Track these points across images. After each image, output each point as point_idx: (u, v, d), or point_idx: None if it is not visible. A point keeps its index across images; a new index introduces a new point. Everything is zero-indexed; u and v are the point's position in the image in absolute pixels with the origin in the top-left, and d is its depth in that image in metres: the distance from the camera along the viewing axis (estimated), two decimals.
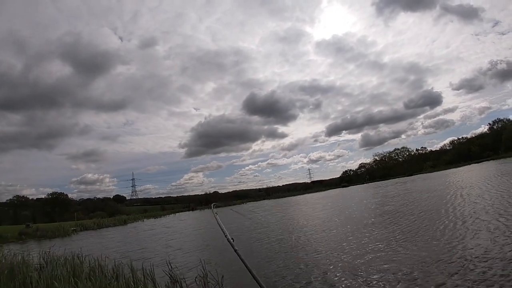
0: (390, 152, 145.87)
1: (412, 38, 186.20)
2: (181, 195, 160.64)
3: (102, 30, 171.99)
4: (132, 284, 8.14)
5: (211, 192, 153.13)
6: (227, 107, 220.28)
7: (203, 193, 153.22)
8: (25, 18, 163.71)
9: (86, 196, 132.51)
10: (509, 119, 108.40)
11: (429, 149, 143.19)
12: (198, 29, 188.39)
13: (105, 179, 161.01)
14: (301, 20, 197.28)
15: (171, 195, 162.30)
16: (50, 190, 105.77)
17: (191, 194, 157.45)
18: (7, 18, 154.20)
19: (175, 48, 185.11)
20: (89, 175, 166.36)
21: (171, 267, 10.17)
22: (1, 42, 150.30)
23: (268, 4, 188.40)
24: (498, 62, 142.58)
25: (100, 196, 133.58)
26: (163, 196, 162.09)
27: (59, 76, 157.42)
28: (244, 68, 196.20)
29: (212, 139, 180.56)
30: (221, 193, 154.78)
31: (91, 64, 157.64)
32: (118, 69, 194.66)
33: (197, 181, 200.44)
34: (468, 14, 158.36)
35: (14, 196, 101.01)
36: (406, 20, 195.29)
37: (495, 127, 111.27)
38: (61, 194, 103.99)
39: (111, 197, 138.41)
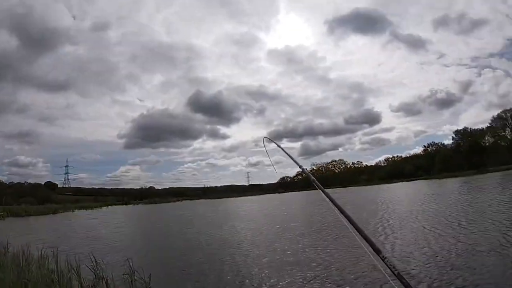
0: (327, 163, 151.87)
1: (360, 59, 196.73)
2: (116, 187, 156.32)
3: (56, 5, 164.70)
4: (56, 276, 8.09)
5: (147, 187, 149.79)
6: (172, 102, 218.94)
7: (138, 187, 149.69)
8: None
9: (16, 179, 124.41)
10: (443, 143, 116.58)
11: (364, 163, 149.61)
12: (154, 19, 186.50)
13: (38, 164, 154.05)
14: (258, 26, 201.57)
15: (105, 187, 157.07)
16: None
17: (126, 188, 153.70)
18: None
19: (128, 35, 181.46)
20: (22, 158, 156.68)
21: (97, 262, 10.09)
22: None
23: (228, 6, 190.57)
24: (438, 91, 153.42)
25: (31, 181, 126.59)
26: (97, 187, 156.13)
27: (3, 47, 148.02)
28: (195, 65, 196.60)
29: (153, 132, 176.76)
30: (158, 189, 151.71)
31: (39, 39, 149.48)
32: (66, 49, 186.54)
33: (133, 174, 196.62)
34: (416, 44, 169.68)
35: None
36: (356, 41, 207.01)
37: (429, 149, 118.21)
38: None
39: (43, 183, 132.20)
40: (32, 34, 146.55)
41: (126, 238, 22.42)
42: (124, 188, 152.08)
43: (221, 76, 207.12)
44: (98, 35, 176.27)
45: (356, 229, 2.79)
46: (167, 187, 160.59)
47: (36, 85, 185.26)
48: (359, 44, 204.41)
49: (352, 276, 9.09)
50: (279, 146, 5.05)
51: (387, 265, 2.45)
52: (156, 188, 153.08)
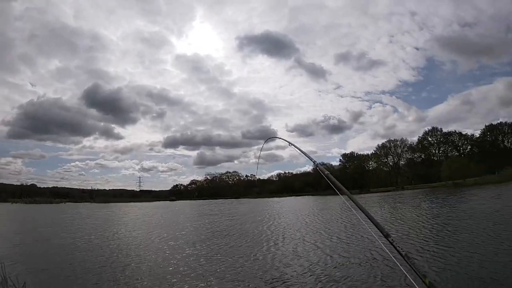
0: (222, 174, 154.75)
1: (264, 78, 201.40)
2: None
3: None
4: None
5: (29, 184, 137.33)
6: (66, 92, 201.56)
7: (19, 183, 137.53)
8: None
9: None
10: (331, 164, 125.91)
11: (257, 177, 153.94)
12: None
13: None
14: (170, 29, 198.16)
15: None
16: None
17: (4, 182, 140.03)
18: None
19: (32, 10, 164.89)
20: None
21: None
22: None
23: (143, 2, 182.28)
24: (332, 117, 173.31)
25: None
26: None
27: None
28: (97, 56, 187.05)
29: (41, 123, 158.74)
30: (40, 187, 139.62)
31: None
32: None
33: (14, 168, 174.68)
34: (317, 73, 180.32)
35: None
36: (263, 61, 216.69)
37: (318, 168, 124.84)
38: None
39: None
40: None
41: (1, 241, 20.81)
42: (2, 183, 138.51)
43: (123, 72, 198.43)
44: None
45: (366, 215, 3.22)
46: (50, 186, 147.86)
47: None
48: (265, 65, 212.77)
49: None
50: (290, 144, 5.14)
51: (395, 247, 2.81)
52: (38, 186, 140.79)
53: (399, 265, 2.89)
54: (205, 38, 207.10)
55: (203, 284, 9.83)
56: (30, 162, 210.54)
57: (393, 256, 2.92)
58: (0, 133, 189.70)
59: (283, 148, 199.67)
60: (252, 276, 10.43)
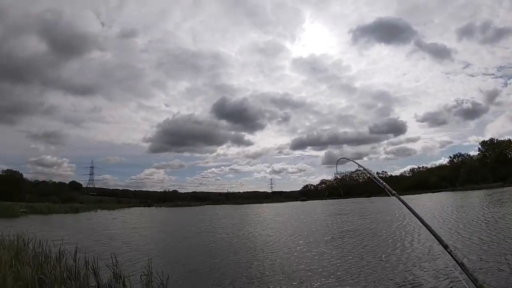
0: (351, 172, 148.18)
1: (385, 68, 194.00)
2: (139, 189, 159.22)
3: (85, 12, 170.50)
4: (74, 274, 8.01)
5: (171, 190, 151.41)
6: (197, 108, 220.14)
7: (162, 190, 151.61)
8: None
9: (41, 178, 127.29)
10: (469, 154, 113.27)
11: (389, 173, 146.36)
12: (180, 28, 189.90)
13: (63, 164, 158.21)
14: (282, 35, 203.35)
15: (129, 189, 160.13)
16: (5, 167, 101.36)
17: (149, 190, 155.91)
18: None
19: (155, 42, 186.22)
20: (48, 157, 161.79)
21: (117, 261, 10.02)
22: None
23: (253, 16, 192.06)
24: (464, 101, 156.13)
25: (56, 180, 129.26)
26: (120, 188, 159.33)
27: (33, 52, 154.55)
28: (220, 72, 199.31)
29: (178, 137, 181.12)
30: (181, 193, 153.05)
31: (68, 44, 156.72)
32: (94, 54, 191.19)
33: (157, 177, 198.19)
34: (441, 54, 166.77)
35: None
36: (380, 51, 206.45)
37: (455, 160, 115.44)
38: (16, 172, 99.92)
39: (67, 182, 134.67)
40: (60, 40, 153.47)
41: (146, 238, 22.36)
42: (147, 191, 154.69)
43: (246, 83, 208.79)
44: (125, 42, 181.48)
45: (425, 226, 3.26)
46: (190, 191, 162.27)
47: (64, 88, 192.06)
48: (383, 54, 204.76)
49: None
50: (358, 164, 5.11)
51: (454, 259, 2.81)
52: (179, 191, 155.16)
53: None
54: (318, 38, 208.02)
55: (331, 282, 9.32)
56: (171, 172, 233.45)
57: None
58: (143, 148, 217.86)
59: (414, 140, 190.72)
60: (381, 277, 9.60)
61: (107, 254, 12.98)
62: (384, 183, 3.60)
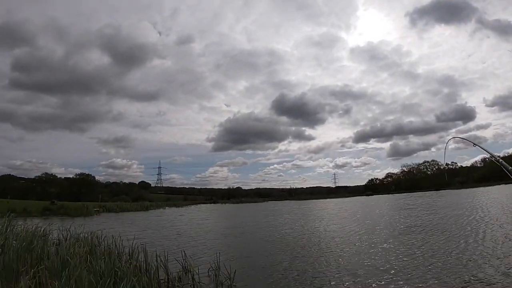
0: (419, 164, 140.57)
1: (448, 50, 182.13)
2: (205, 187, 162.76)
3: (142, 24, 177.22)
4: (145, 268, 8.24)
5: (235, 187, 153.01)
6: (256, 106, 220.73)
7: (226, 187, 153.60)
8: (68, 7, 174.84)
9: (113, 179, 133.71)
10: None
11: (459, 164, 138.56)
12: (234, 29, 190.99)
13: (133, 165, 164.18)
14: (337, 26, 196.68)
15: (195, 187, 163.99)
16: (78, 171, 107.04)
17: (214, 188, 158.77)
18: (50, 6, 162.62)
19: (211, 45, 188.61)
20: (118, 160, 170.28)
21: (185, 255, 10.23)
22: (44, 27, 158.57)
23: (304, 9, 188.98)
24: None
25: (126, 181, 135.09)
26: (187, 186, 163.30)
27: (97, 64, 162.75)
28: (277, 69, 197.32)
29: (240, 135, 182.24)
30: (244, 189, 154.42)
31: (129, 55, 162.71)
32: (154, 62, 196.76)
33: (221, 175, 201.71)
34: (506, 30, 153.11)
35: (43, 173, 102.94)
36: (442, 32, 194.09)
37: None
38: (89, 175, 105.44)
39: (137, 183, 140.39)
40: (121, 51, 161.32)
41: (213, 234, 22.80)
42: (212, 188, 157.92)
43: (304, 78, 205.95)
44: (182, 48, 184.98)
45: None
46: (253, 188, 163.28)
47: (129, 96, 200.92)
48: (445, 35, 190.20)
49: None
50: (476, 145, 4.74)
51: None
52: (243, 188, 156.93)
53: None
54: (374, 24, 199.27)
55: (395, 279, 8.98)
56: (234, 169, 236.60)
57: None
58: (207, 148, 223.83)
59: (485, 127, 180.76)
60: (447, 273, 9.14)
61: (176, 249, 13.33)
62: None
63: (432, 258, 11.07)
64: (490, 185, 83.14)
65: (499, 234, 14.51)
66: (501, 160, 3.19)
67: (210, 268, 9.95)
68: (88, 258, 8.39)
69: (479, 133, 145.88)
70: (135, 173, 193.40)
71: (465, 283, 8.24)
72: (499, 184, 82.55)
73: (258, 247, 16.21)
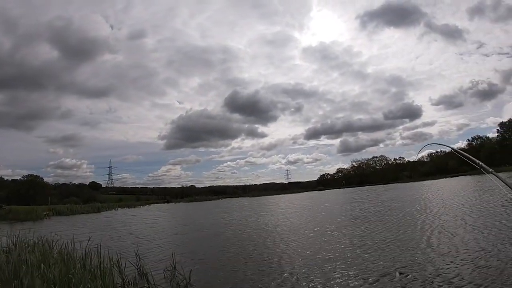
0: (368, 160, 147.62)
1: (397, 52, 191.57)
2: (158, 186, 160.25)
3: (94, 16, 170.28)
4: (99, 272, 8.22)
5: (188, 185, 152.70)
6: (209, 103, 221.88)
7: (179, 186, 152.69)
8: None
9: (62, 180, 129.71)
10: (488, 137, 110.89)
11: (407, 159, 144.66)
12: (188, 25, 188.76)
13: (83, 165, 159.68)
14: (290, 25, 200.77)
15: (148, 186, 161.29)
16: (26, 172, 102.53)
17: (167, 186, 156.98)
18: None
19: (164, 41, 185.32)
20: (67, 160, 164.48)
21: (139, 258, 10.25)
22: None
23: (260, 8, 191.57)
24: (480, 82, 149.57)
25: (76, 182, 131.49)
26: (139, 186, 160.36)
27: (45, 58, 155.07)
28: (230, 66, 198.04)
29: (192, 133, 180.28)
30: (198, 188, 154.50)
31: (79, 49, 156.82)
32: (105, 57, 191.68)
33: (174, 173, 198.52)
34: (453, 34, 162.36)
35: None
36: (391, 35, 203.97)
37: (474, 143, 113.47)
38: (37, 177, 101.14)
39: (87, 183, 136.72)
40: (72, 45, 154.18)
41: (167, 234, 22.76)
42: (165, 187, 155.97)
43: (257, 76, 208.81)
44: (135, 43, 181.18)
45: None
46: (207, 185, 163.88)
47: (78, 92, 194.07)
48: (394, 38, 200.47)
49: None
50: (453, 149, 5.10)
51: None
52: (196, 186, 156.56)
53: None
54: (327, 25, 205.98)
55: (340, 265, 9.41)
56: (187, 167, 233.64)
57: None
58: (159, 146, 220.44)
59: (430, 124, 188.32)
60: (383, 259, 9.82)
61: (130, 251, 13.26)
62: (480, 163, 3.54)
63: (370, 247, 12.04)
64: (437, 179, 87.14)
65: (435, 225, 15.73)
66: (481, 163, 3.49)
67: (166, 269, 10.07)
68: (41, 265, 8.26)
69: (425, 130, 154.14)
70: (85, 173, 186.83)
71: (399, 268, 8.90)
72: (445, 178, 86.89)
73: (213, 245, 16.46)
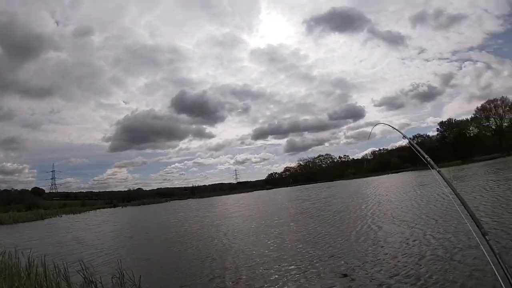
0: (314, 158, 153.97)
1: (342, 56, 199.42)
2: (104, 190, 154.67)
3: (39, 12, 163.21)
4: (45, 283, 8.17)
5: (135, 188, 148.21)
6: (156, 103, 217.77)
7: (126, 189, 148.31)
8: None
9: (3, 187, 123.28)
10: (428, 135, 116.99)
11: (351, 157, 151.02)
12: (137, 23, 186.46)
13: (24, 170, 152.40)
14: (240, 27, 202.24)
15: (93, 190, 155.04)
16: None
17: (114, 190, 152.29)
18: None
19: (111, 39, 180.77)
20: (8, 165, 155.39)
21: (85, 266, 10.13)
22: None
23: (209, 8, 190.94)
24: (420, 84, 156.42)
25: (18, 187, 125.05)
26: (84, 191, 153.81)
27: None
28: (179, 66, 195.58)
29: (139, 134, 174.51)
30: (145, 190, 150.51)
31: (23, 46, 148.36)
32: (50, 54, 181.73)
33: (120, 176, 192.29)
34: (395, 40, 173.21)
35: None
36: (336, 39, 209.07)
37: (415, 141, 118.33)
38: None
39: (30, 189, 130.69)
40: (15, 41, 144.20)
41: (114, 240, 22.37)
42: (112, 191, 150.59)
43: (205, 76, 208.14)
44: (81, 40, 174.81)
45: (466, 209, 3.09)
46: (155, 188, 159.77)
47: (20, 92, 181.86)
48: (340, 42, 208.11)
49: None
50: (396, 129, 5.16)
51: (490, 247, 2.71)
52: (144, 189, 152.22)
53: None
54: (275, 28, 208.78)
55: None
56: (134, 170, 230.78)
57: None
58: (104, 148, 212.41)
59: (373, 124, 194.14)
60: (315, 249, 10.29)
61: (76, 259, 13.08)
62: (428, 158, 3.76)
63: (305, 240, 12.49)
64: (380, 175, 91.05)
65: (366, 219, 17.01)
66: (429, 159, 3.72)
67: (114, 276, 9.94)
68: None
69: (368, 129, 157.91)
70: (27, 178, 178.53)
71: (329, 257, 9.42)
72: (388, 174, 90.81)
73: (161, 248, 16.63)
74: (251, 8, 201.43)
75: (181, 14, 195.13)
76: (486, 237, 2.80)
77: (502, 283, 2.59)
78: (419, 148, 3.82)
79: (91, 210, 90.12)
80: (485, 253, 2.81)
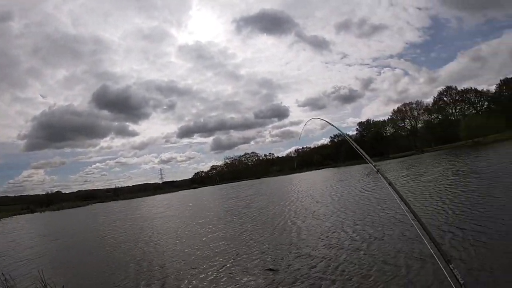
0: (240, 156, 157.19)
1: (269, 57, 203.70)
2: (20, 194, 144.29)
3: None
4: None
5: (54, 191, 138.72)
6: (76, 98, 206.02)
7: (44, 192, 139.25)
8: None
9: None
10: (348, 134, 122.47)
11: (276, 155, 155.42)
12: (60, 10, 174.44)
13: None
14: (168, 21, 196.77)
15: (8, 195, 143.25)
16: None
17: (30, 194, 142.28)
18: None
19: (31, 25, 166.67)
20: None
21: (5, 278, 9.84)
22: None
23: (138, 0, 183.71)
24: (342, 87, 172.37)
25: None
26: None
27: None
28: (102, 59, 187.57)
29: (57, 131, 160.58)
30: (65, 193, 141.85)
31: None
32: None
33: (37, 178, 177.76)
34: (320, 45, 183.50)
35: None
36: (264, 41, 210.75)
37: (335, 140, 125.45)
38: None
39: None
40: None
41: (31, 248, 21.24)
42: (28, 195, 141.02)
43: (130, 71, 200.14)
44: None
45: (421, 225, 3.06)
46: (75, 191, 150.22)
47: None
48: (268, 43, 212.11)
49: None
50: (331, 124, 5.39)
51: (454, 275, 2.69)
52: (63, 192, 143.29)
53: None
54: (205, 25, 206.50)
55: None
56: (51, 171, 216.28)
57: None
58: (18, 147, 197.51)
59: (297, 124, 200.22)
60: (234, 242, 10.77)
61: None
62: (368, 158, 3.94)
63: (233, 238, 12.89)
64: (303, 172, 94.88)
65: (284, 215, 18.40)
66: (361, 151, 3.94)
67: (36, 287, 9.73)
68: None
69: (292, 128, 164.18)
70: None
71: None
72: (311, 170, 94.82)
73: (84, 254, 16.32)
74: (182, 3, 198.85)
75: (107, 3, 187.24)
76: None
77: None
78: (355, 145, 4.35)
79: (7, 217, 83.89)
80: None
